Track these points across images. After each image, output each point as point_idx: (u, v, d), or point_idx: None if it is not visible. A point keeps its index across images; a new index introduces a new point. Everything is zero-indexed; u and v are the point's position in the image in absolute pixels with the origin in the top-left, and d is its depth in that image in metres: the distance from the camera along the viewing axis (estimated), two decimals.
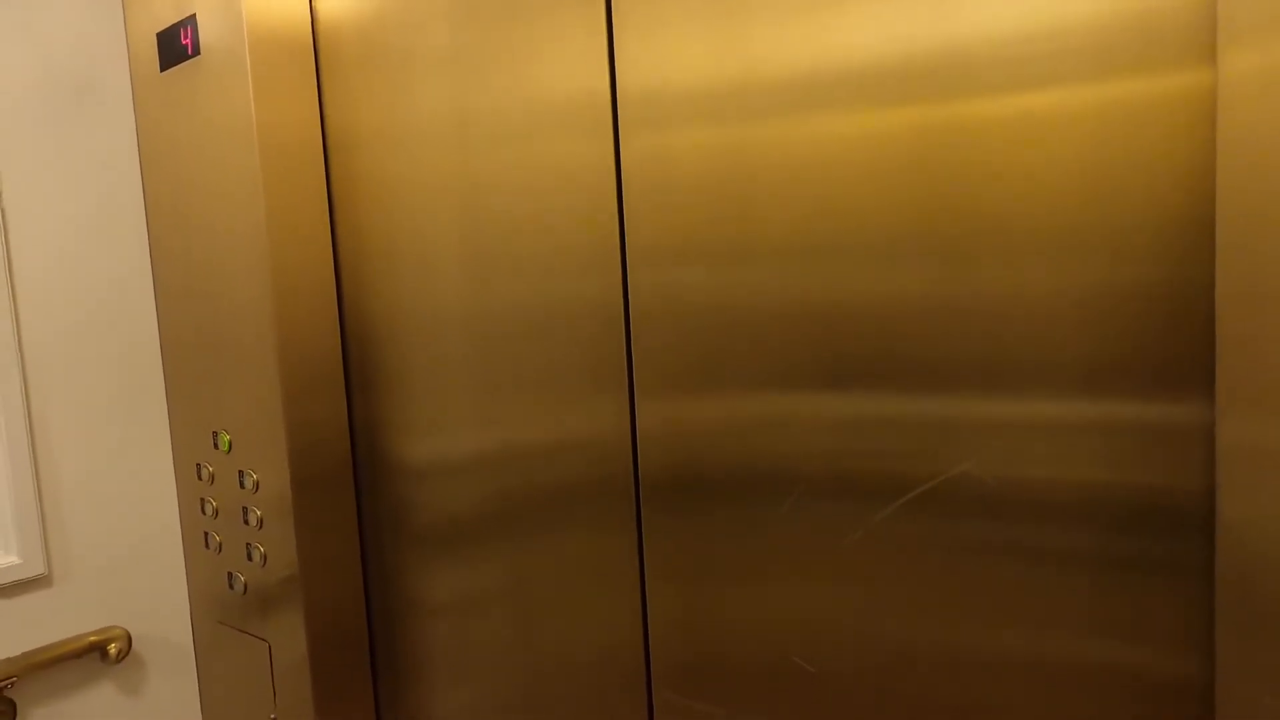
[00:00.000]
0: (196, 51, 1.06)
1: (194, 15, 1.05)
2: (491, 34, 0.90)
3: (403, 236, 1.02)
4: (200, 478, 1.18)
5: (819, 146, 0.70)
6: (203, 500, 1.19)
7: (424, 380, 1.03)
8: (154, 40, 1.12)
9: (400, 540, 1.10)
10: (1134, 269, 0.56)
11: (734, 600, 0.82)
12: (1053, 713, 0.64)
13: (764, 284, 0.74)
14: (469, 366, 0.98)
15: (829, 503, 0.74)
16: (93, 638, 1.18)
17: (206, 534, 1.19)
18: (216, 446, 1.14)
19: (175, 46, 1.09)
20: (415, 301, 1.02)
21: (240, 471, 1.11)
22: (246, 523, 1.12)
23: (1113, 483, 0.59)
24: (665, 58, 0.77)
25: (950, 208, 0.63)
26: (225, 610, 1.19)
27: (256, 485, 1.09)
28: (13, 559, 1.12)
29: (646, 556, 0.87)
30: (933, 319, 0.65)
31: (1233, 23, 0.47)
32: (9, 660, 1.10)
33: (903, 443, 0.68)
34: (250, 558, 1.12)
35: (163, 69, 1.12)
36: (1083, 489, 0.60)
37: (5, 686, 1.10)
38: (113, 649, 1.18)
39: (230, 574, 1.16)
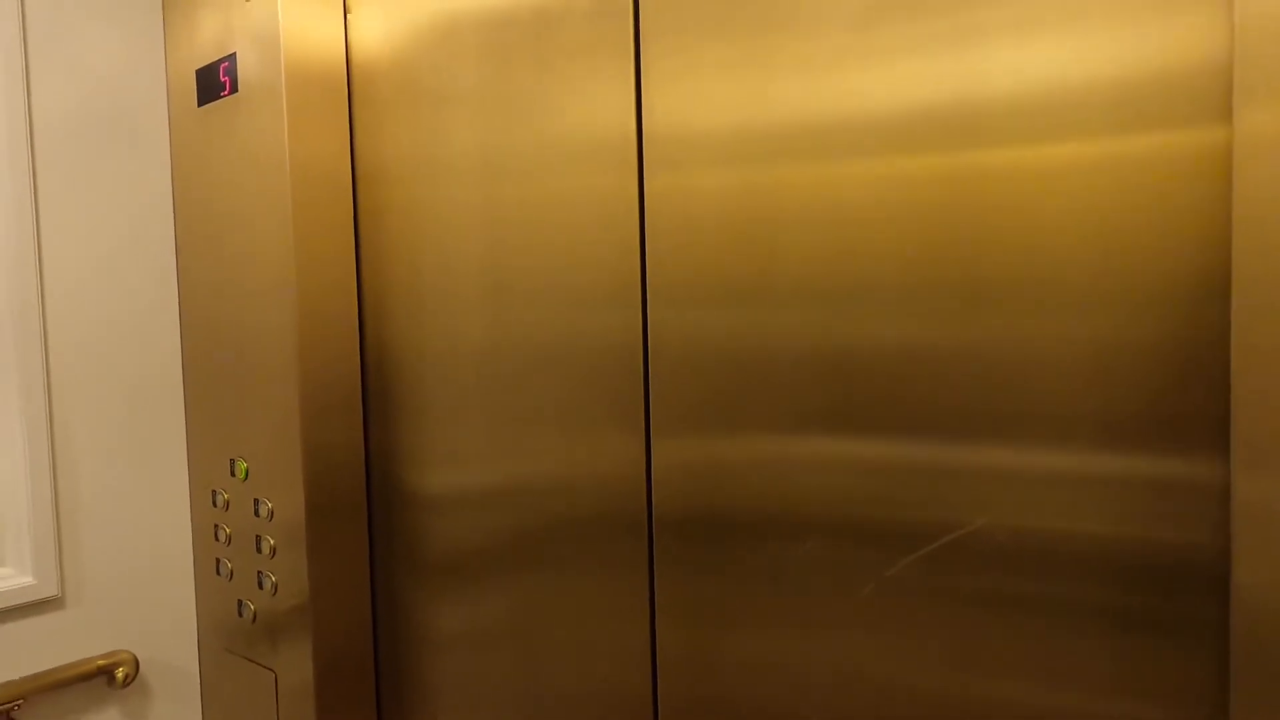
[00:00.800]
0: (235, 89, 1.09)
1: (234, 54, 1.09)
2: (521, 77, 0.93)
3: (426, 269, 1.04)
4: (215, 504, 1.19)
5: (839, 192, 0.71)
6: (216, 526, 1.19)
7: (441, 411, 1.04)
8: (193, 76, 1.16)
9: (411, 571, 1.09)
10: (1149, 322, 0.56)
11: (744, 645, 0.81)
12: None
13: (783, 326, 0.75)
14: (486, 399, 0.99)
15: (843, 550, 0.73)
16: (100, 661, 1.18)
17: (219, 560, 1.20)
18: (233, 474, 1.15)
19: (214, 83, 1.12)
20: (436, 333, 1.04)
21: (256, 499, 1.12)
22: (259, 550, 1.12)
23: (1127, 538, 0.58)
24: (691, 103, 0.79)
25: (968, 256, 0.64)
26: (233, 638, 1.19)
27: (271, 513, 1.10)
28: (27, 579, 1.12)
29: (658, 597, 0.87)
30: (948, 367, 0.65)
31: (1248, 81, 0.48)
32: (16, 682, 1.10)
33: (918, 491, 0.68)
34: (261, 586, 1.12)
35: (200, 104, 1.15)
36: (1096, 544, 0.59)
37: (12, 708, 1.10)
38: (120, 673, 1.18)
39: (240, 601, 1.16)
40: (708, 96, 0.78)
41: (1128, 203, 0.57)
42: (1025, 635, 0.63)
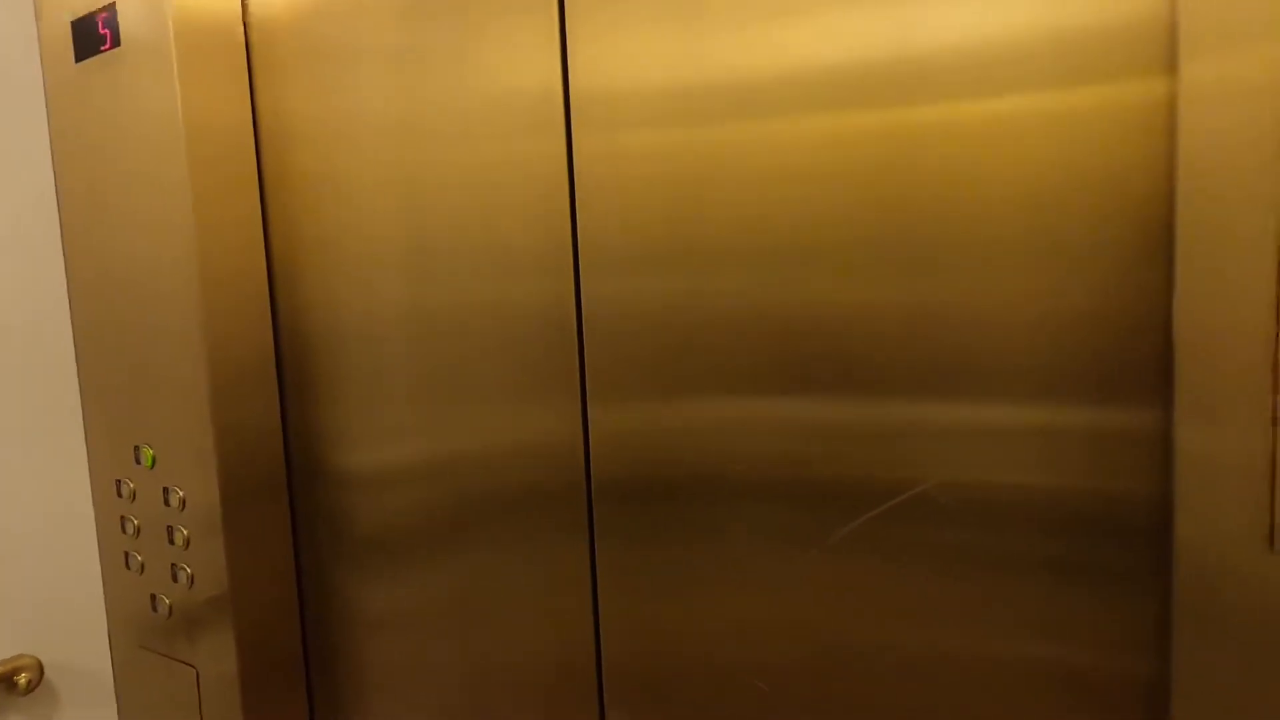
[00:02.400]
0: (117, 42, 1.00)
1: (113, 3, 0.99)
2: (439, 30, 0.87)
3: (341, 236, 0.98)
4: (121, 495, 1.12)
5: (775, 152, 0.69)
6: (123, 519, 1.12)
7: (363, 385, 0.99)
8: (68, 29, 1.06)
9: (339, 553, 1.05)
10: (1093, 276, 0.57)
11: (688, 610, 0.81)
12: (1011, 718, 0.64)
13: (720, 289, 0.73)
14: (412, 371, 0.95)
15: (785, 512, 0.73)
16: None
17: (127, 554, 1.12)
18: (139, 462, 1.08)
19: (93, 35, 1.02)
20: (355, 304, 0.99)
21: (165, 488, 1.05)
22: (172, 541, 1.06)
23: (1071, 490, 0.59)
24: (619, 60, 0.76)
25: (908, 214, 0.63)
26: (147, 634, 1.13)
27: (183, 502, 1.04)
28: None
29: (599, 565, 0.86)
30: (889, 326, 0.65)
31: (1194, 32, 0.48)
32: None
33: (861, 450, 0.68)
34: (175, 578, 1.06)
35: (78, 60, 1.05)
36: (1040, 496, 0.60)
37: None
38: (21, 679, 1.11)
39: (153, 596, 1.10)
40: (637, 53, 0.75)
41: (1069, 157, 0.57)
42: (970, 590, 0.64)
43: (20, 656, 1.12)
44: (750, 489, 0.75)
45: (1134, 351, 0.56)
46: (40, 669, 1.13)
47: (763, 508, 0.74)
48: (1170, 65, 0.51)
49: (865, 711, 0.71)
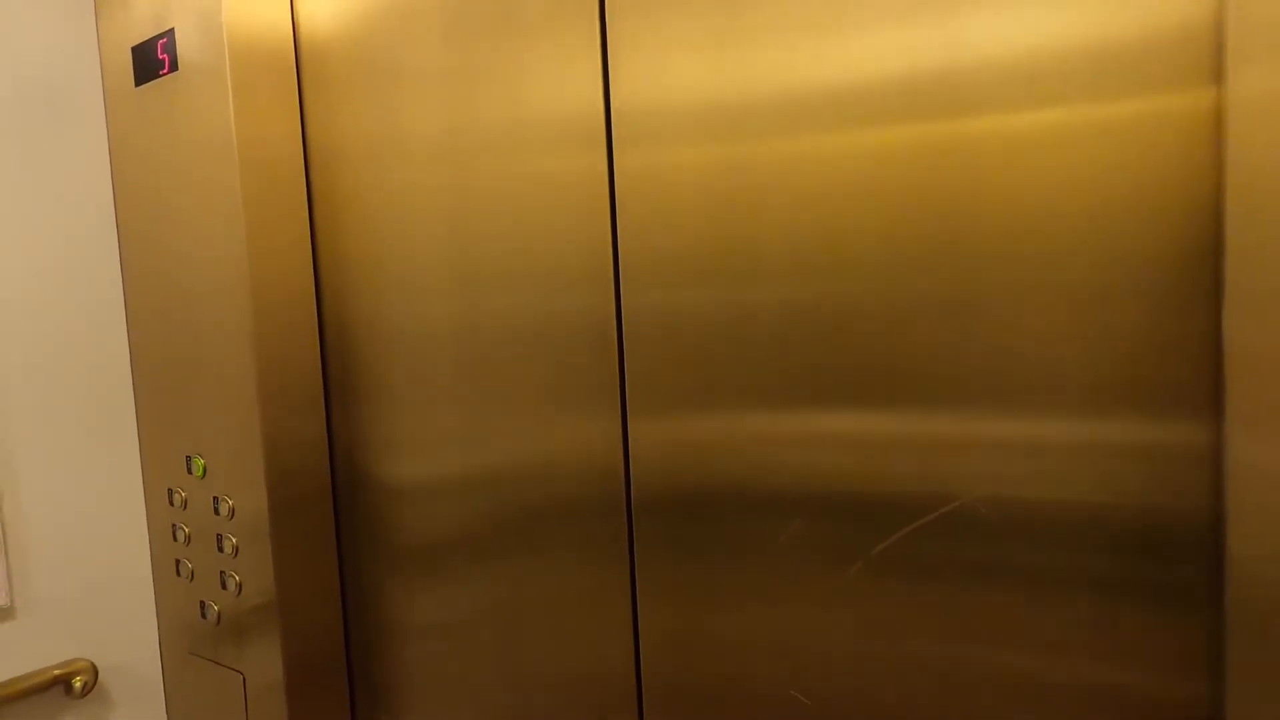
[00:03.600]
0: (175, 67, 1.03)
1: (172, 30, 1.03)
2: (483, 51, 0.89)
3: (388, 253, 1.00)
4: (172, 503, 1.15)
5: (819, 165, 0.69)
6: (175, 527, 1.15)
7: (408, 399, 1.01)
8: (129, 54, 1.10)
9: (381, 563, 1.07)
10: (1140, 289, 0.56)
11: (728, 624, 0.80)
12: None
13: (762, 303, 0.74)
14: (455, 384, 0.96)
15: (828, 526, 0.73)
16: (57, 671, 1.13)
17: (178, 561, 1.15)
18: (190, 471, 1.11)
19: (152, 61, 1.06)
20: (400, 319, 1.00)
21: (215, 497, 1.08)
22: (221, 549, 1.08)
23: (1118, 506, 0.58)
24: (661, 76, 0.77)
25: (952, 228, 0.63)
26: (197, 641, 1.15)
27: (232, 511, 1.06)
28: None
29: (639, 578, 0.86)
30: (934, 339, 0.65)
31: (1243, 42, 0.47)
32: None
33: (905, 465, 0.67)
34: (224, 586, 1.09)
35: (138, 84, 1.09)
36: (1087, 512, 0.59)
37: None
38: (78, 682, 1.14)
39: (203, 603, 1.12)
40: (677, 70, 0.76)
41: (1117, 168, 0.56)
42: (1017, 607, 0.63)
43: (77, 660, 1.15)
44: (792, 502, 0.74)
45: (1183, 365, 0.55)
46: (95, 672, 1.16)
47: (804, 521, 0.74)
48: (1214, 76, 0.51)
49: None
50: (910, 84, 0.64)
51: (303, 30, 1.04)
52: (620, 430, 0.85)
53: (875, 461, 0.69)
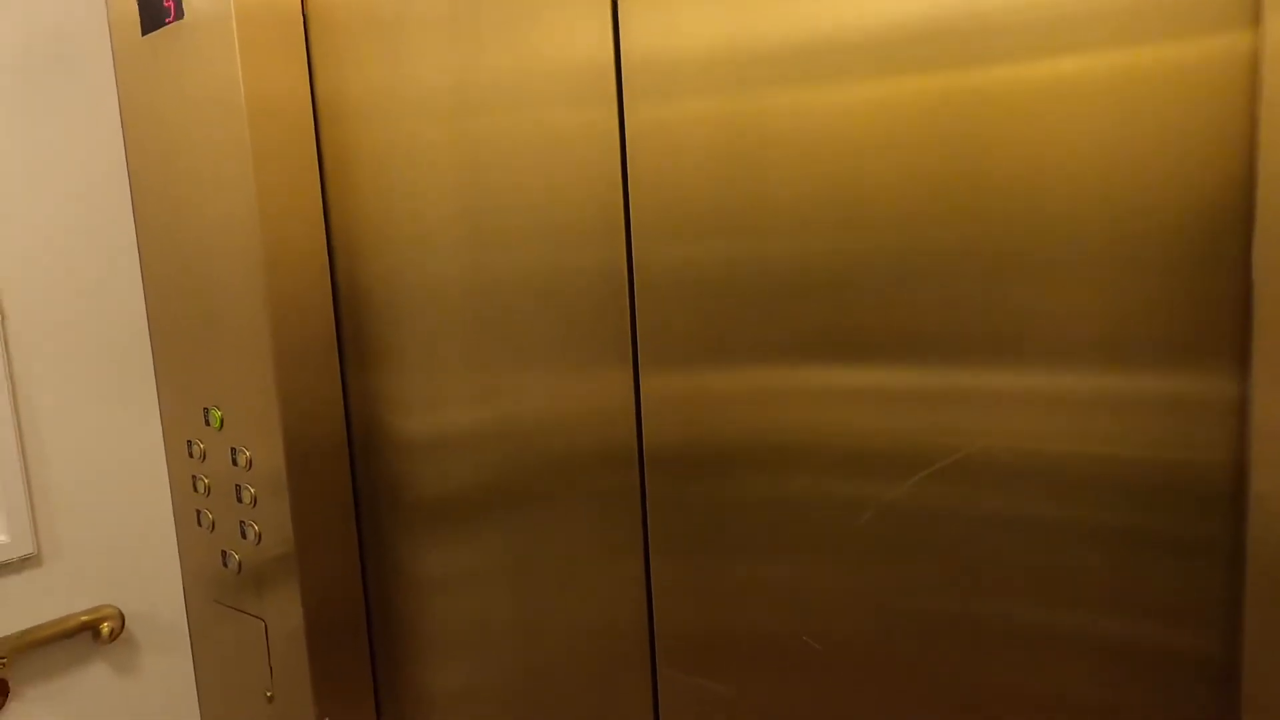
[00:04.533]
0: (180, 14, 1.02)
1: None
2: (490, 1, 0.87)
3: (398, 208, 1.00)
4: (191, 455, 1.16)
5: (833, 115, 0.68)
6: (194, 478, 1.17)
7: (422, 353, 1.01)
8: (134, 3, 1.08)
9: (397, 516, 1.08)
10: (1163, 239, 0.55)
11: (740, 574, 0.81)
12: (1071, 688, 0.63)
13: (774, 255, 0.73)
14: (468, 339, 0.96)
15: (841, 477, 0.73)
16: (84, 617, 1.16)
17: (199, 512, 1.17)
18: (208, 423, 1.12)
19: (157, 9, 1.05)
20: (412, 274, 1.00)
21: (233, 448, 1.09)
22: (240, 500, 1.10)
23: (1139, 458, 0.58)
24: (672, 25, 0.75)
25: (970, 178, 0.61)
26: (219, 589, 1.18)
27: (249, 462, 1.07)
28: (1, 538, 1.09)
29: (650, 529, 0.86)
30: (950, 290, 0.64)
31: None
32: (0, 640, 1.09)
33: (919, 416, 0.67)
34: (244, 535, 1.10)
35: (144, 33, 1.08)
36: (1107, 464, 0.59)
37: None
38: (105, 628, 1.17)
39: (224, 552, 1.14)
40: (688, 20, 0.74)
41: (1142, 116, 0.54)
42: (1029, 558, 0.63)
43: (104, 606, 1.18)
44: (803, 453, 0.74)
45: (1208, 315, 0.54)
46: (121, 619, 1.19)
47: (816, 472, 0.74)
48: (1247, 19, 0.49)
49: (921, 675, 0.71)
50: (927, 30, 0.62)
51: None
52: (632, 384, 0.85)
53: (888, 412, 0.68)
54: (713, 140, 0.75)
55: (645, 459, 0.85)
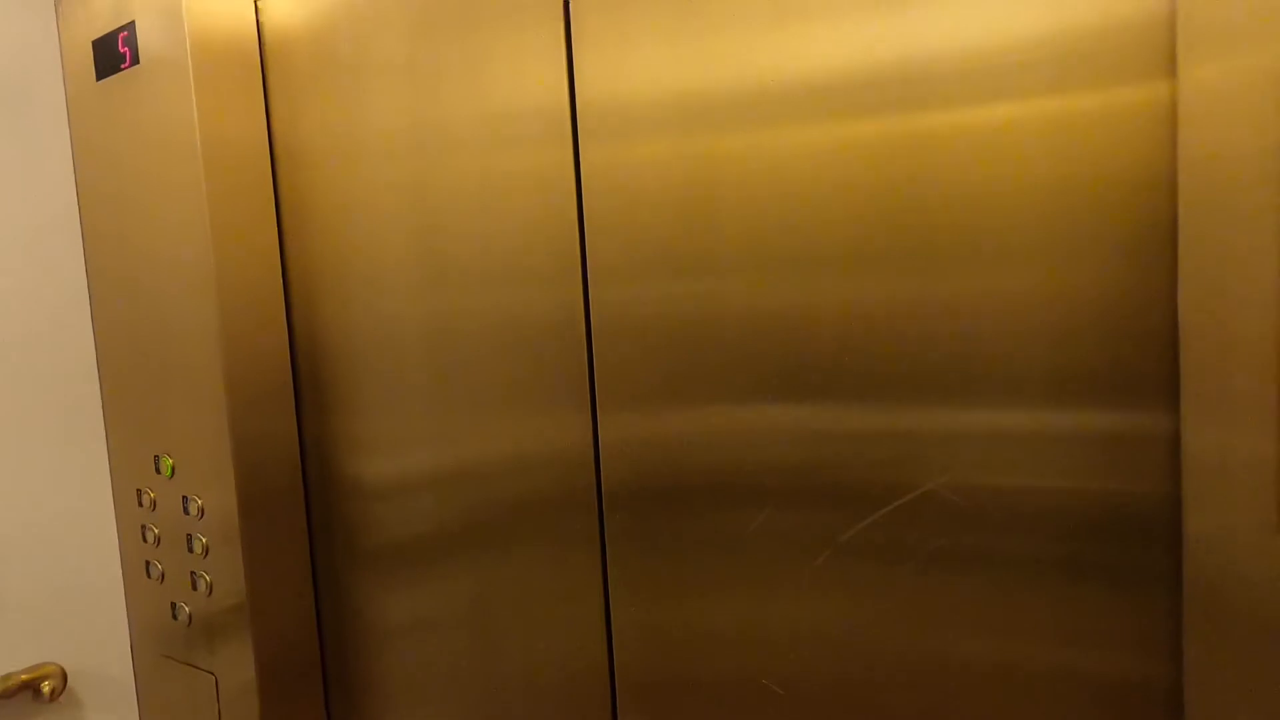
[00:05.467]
0: (136, 60, 1.02)
1: (133, 22, 1.01)
2: (449, 45, 0.88)
3: (355, 250, 0.99)
4: (141, 504, 1.13)
5: (783, 158, 0.69)
6: (144, 528, 1.13)
7: (378, 396, 1.00)
8: (89, 48, 1.08)
9: (355, 561, 1.06)
10: (1098, 278, 0.57)
11: (699, 616, 0.81)
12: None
13: (728, 296, 0.74)
14: (424, 380, 0.96)
15: (797, 516, 0.73)
16: (24, 676, 1.11)
17: (148, 563, 1.14)
18: (158, 471, 1.10)
19: (113, 54, 1.05)
20: (368, 317, 1.00)
21: (184, 496, 1.07)
22: (191, 550, 1.07)
23: (1080, 491, 0.59)
24: (625, 70, 0.77)
25: (915, 219, 0.63)
26: (168, 643, 1.14)
27: (201, 511, 1.05)
28: None
29: (610, 575, 0.86)
30: (899, 330, 0.65)
31: (1191, 35, 0.48)
32: None
33: (871, 454, 0.68)
34: (195, 587, 1.08)
35: (99, 78, 1.07)
36: (1050, 498, 0.60)
37: None
38: (46, 687, 1.12)
39: (174, 604, 1.11)
40: (641, 65, 0.76)
41: (1073, 160, 0.57)
42: (981, 592, 0.64)
43: (44, 665, 1.13)
44: (760, 494, 0.75)
45: (1140, 353, 0.56)
46: (64, 677, 1.14)
47: (774, 513, 0.74)
48: (1168, 68, 0.51)
49: (877, 713, 0.71)
50: (873, 78, 0.64)
51: (266, 24, 1.03)
52: (590, 425, 0.85)
53: (841, 452, 0.69)
54: (667, 183, 0.76)
55: (604, 500, 0.85)
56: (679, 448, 0.78)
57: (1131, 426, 0.56)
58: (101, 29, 1.06)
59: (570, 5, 0.79)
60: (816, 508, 0.72)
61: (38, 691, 1.12)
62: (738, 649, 0.78)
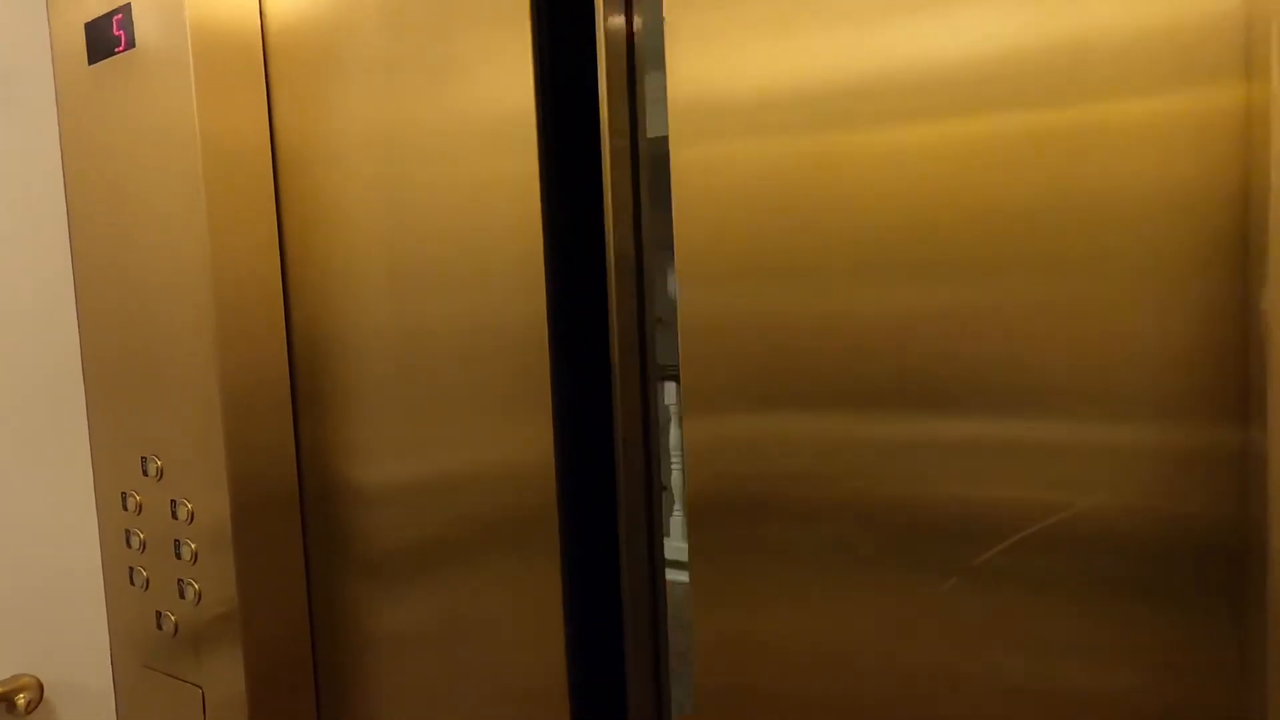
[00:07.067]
0: (132, 44, 0.97)
1: (128, 4, 0.97)
2: (428, 46, 0.86)
3: (351, 252, 0.96)
4: (126, 508, 1.08)
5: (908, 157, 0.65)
6: (128, 532, 1.09)
7: (366, 400, 0.97)
8: (81, 32, 1.03)
9: (351, 569, 1.02)
10: (1187, 288, 0.54)
11: (783, 633, 0.77)
12: None
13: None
14: (404, 387, 0.93)
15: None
16: None
17: (132, 570, 1.09)
18: (146, 473, 1.05)
19: (106, 37, 1.00)
20: (361, 320, 0.96)
21: (173, 500, 1.02)
22: (179, 557, 1.03)
23: (1155, 511, 0.56)
24: (722, 67, 0.73)
25: (991, 224, 0.60)
26: (152, 653, 1.09)
27: (191, 515, 1.01)
28: None
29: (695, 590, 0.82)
30: (1018, 340, 0.61)
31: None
32: None
33: (943, 470, 0.64)
34: (182, 595, 1.03)
35: (91, 62, 1.03)
36: (1138, 520, 0.57)
37: None
38: (21, 700, 1.07)
39: (159, 613, 1.06)
40: (743, 59, 0.72)
41: (1161, 165, 0.54)
42: (1051, 617, 0.61)
43: (20, 676, 1.08)
44: (864, 515, 0.71)
45: (1221, 369, 0.53)
46: (40, 689, 1.09)
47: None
48: (1246, 69, 0.49)
49: None
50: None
51: (269, 17, 0.99)
52: (552, 434, 0.82)
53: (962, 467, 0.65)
54: (763, 184, 0.73)
55: (689, 514, 0.81)
56: (763, 456, 0.74)
57: (1209, 445, 0.54)
58: (95, 11, 1.01)
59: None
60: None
61: (12, 705, 1.07)
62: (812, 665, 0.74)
